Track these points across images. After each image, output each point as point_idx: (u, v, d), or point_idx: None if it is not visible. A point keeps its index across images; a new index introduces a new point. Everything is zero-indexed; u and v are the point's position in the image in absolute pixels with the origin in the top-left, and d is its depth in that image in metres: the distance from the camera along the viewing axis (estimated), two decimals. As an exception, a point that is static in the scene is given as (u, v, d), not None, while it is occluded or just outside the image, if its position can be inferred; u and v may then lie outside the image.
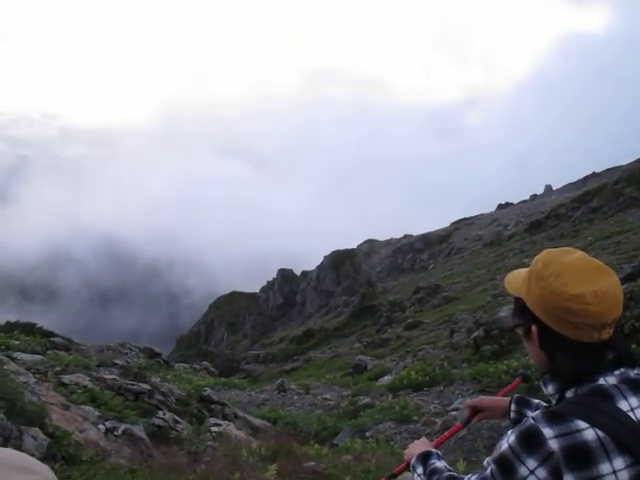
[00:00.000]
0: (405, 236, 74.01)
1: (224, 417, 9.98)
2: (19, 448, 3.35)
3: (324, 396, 16.50)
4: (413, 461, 2.09)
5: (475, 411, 2.27)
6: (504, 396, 2.30)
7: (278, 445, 6.63)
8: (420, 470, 2.03)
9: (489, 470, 1.40)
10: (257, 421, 11.05)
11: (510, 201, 75.83)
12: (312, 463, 6.11)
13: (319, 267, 67.60)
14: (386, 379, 17.42)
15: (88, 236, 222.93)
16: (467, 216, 73.00)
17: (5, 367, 5.48)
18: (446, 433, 2.69)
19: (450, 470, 1.97)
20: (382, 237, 79.64)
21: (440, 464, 2.01)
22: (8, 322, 15.50)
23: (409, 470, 2.15)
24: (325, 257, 67.68)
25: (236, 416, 10.57)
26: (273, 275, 75.58)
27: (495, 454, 1.40)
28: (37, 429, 4.19)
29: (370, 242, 77.40)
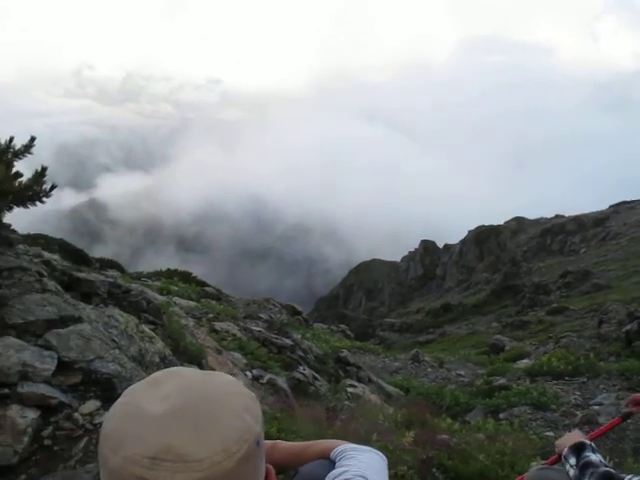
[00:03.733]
0: (556, 216, 69.66)
1: (359, 380, 10.23)
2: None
3: (458, 372, 16.31)
4: (565, 451, 2.02)
5: (637, 403, 2.15)
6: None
7: (412, 414, 6.68)
8: (573, 461, 1.96)
9: None
10: (390, 388, 11.21)
11: (681, 185, 67.99)
12: (445, 436, 6.09)
13: (462, 241, 65.94)
14: (524, 362, 16.83)
15: (238, 196, 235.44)
16: (629, 199, 66.88)
17: (171, 309, 6.04)
18: (602, 427, 2.57)
19: (606, 465, 1.88)
20: (531, 215, 75.73)
21: (595, 457, 1.92)
22: (169, 269, 16.98)
23: (561, 462, 2.09)
24: (469, 231, 65.80)
25: (370, 380, 10.79)
26: (414, 245, 75.13)
27: None
28: (197, 367, 4.60)
29: (518, 220, 73.84)
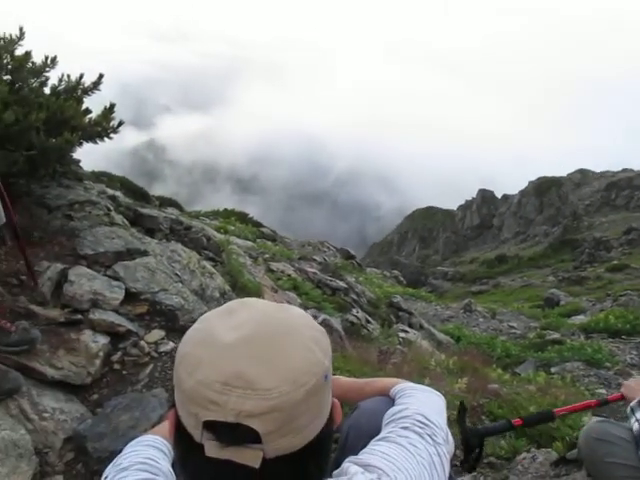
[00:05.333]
0: (624, 170, 66.51)
1: (410, 326, 10.29)
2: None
3: (510, 324, 16.20)
4: (634, 404, 2.00)
5: None
6: None
7: (464, 362, 6.70)
8: None
9: None
10: (441, 335, 11.24)
11: None
12: (496, 385, 6.11)
13: (522, 192, 64.02)
14: (579, 318, 16.57)
15: (295, 138, 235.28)
16: None
17: (230, 247, 6.17)
18: None
19: None
20: (597, 168, 72.73)
21: None
22: (226, 209, 17.25)
23: (621, 401, 2.08)
24: (530, 182, 63.73)
25: (421, 327, 10.84)
26: (471, 194, 73.68)
27: None
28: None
29: (582, 172, 70.95)
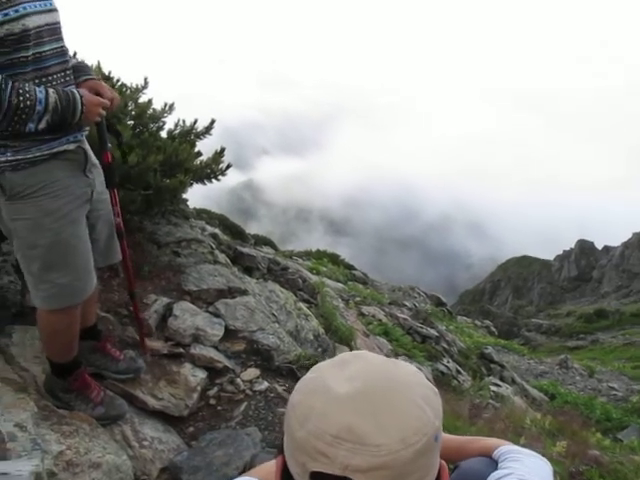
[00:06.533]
0: None
1: (502, 379, 9.90)
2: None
3: (610, 384, 15.19)
4: None
5: None
6: None
7: (560, 422, 6.34)
8: None
9: None
10: (534, 391, 10.74)
11: None
12: (596, 452, 5.71)
13: (625, 244, 60.59)
14: (691, 384, 15.26)
15: (387, 182, 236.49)
16: None
17: (324, 289, 6.25)
18: None
19: None
20: None
21: None
22: (318, 250, 17.44)
23: None
24: (634, 234, 60.33)
25: (514, 381, 10.40)
26: (569, 245, 70.58)
27: None
28: (347, 348, 4.75)
29: (695, 224, 66.47)
